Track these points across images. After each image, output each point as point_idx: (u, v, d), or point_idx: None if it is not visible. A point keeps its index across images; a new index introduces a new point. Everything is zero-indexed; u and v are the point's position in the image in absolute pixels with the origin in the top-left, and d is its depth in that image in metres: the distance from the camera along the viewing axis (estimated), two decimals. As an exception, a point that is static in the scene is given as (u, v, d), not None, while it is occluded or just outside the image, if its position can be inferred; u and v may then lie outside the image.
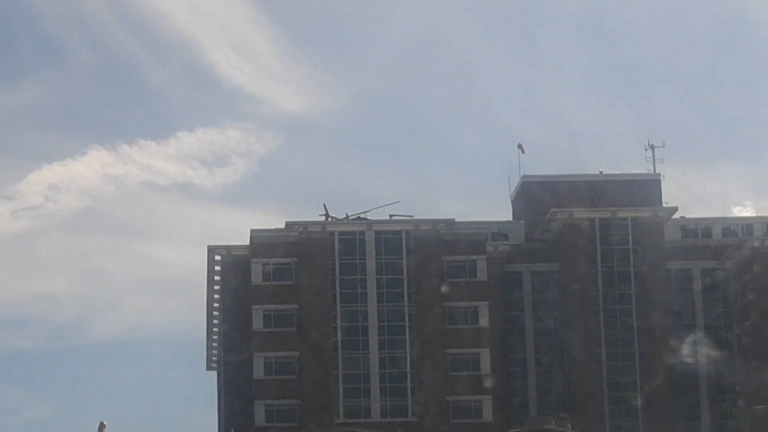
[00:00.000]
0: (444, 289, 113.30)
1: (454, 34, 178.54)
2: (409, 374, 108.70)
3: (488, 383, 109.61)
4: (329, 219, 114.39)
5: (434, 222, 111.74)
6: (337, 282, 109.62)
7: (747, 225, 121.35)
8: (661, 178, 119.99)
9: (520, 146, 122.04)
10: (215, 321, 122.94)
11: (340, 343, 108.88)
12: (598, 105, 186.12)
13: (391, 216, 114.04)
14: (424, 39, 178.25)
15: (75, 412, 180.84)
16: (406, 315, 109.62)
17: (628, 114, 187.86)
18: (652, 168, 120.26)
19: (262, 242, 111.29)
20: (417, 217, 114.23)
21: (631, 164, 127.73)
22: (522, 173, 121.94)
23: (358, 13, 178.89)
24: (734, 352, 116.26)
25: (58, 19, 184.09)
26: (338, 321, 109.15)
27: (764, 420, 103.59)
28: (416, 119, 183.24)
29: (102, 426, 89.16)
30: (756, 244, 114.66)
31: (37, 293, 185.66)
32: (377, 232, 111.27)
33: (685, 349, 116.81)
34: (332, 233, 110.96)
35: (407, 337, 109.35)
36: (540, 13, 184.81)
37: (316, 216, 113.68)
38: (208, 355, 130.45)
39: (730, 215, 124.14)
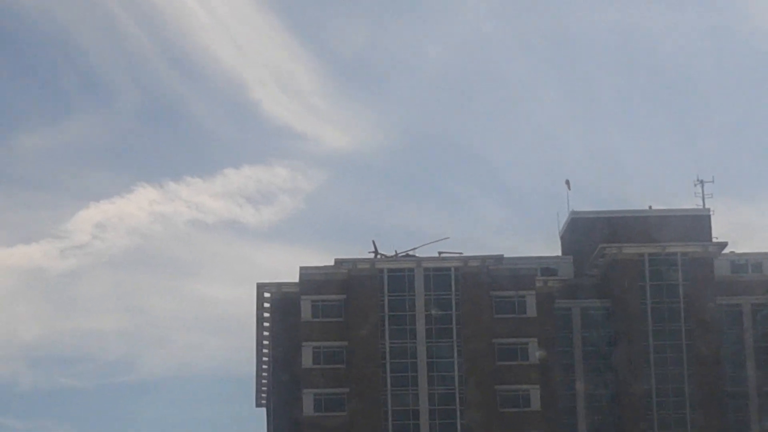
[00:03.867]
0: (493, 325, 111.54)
1: (502, 68, 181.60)
2: (458, 411, 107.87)
3: (538, 420, 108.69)
4: (378, 256, 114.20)
5: (483, 258, 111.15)
6: (387, 318, 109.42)
7: None
8: (711, 213, 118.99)
9: (567, 182, 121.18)
10: (265, 358, 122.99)
11: (389, 380, 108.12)
12: (647, 140, 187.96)
13: (439, 253, 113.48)
14: (471, 74, 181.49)
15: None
16: (455, 351, 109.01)
17: (677, 149, 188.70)
18: (701, 203, 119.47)
19: (312, 279, 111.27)
20: (465, 253, 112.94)
21: (680, 199, 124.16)
22: (571, 209, 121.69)
23: (404, 50, 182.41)
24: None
25: (105, 58, 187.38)
26: (387, 358, 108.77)
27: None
28: (464, 155, 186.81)
29: None
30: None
31: (86, 331, 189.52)
32: (426, 269, 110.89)
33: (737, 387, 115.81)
34: (381, 270, 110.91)
35: (456, 374, 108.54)
36: (588, 49, 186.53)
37: (364, 253, 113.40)
38: (257, 392, 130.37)
39: None
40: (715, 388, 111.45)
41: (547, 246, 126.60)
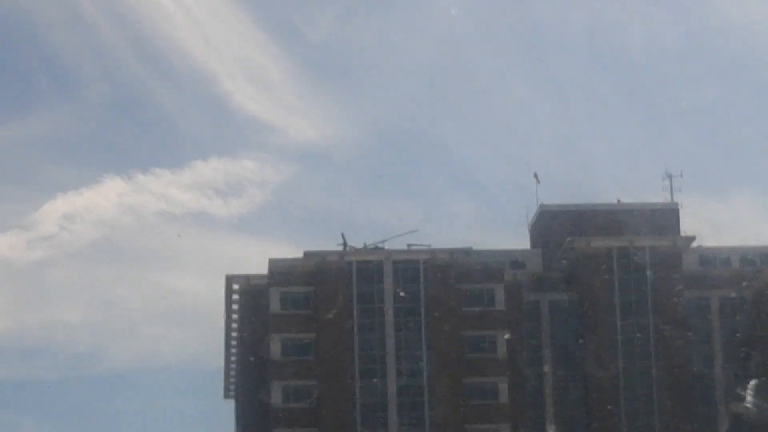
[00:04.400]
0: (462, 318, 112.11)
1: (472, 62, 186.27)
2: (426, 403, 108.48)
3: (506, 413, 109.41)
4: (347, 248, 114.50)
5: (451, 251, 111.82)
6: (355, 310, 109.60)
7: (765, 254, 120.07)
8: (679, 207, 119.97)
9: (535, 175, 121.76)
10: (233, 349, 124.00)
11: (357, 371, 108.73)
12: (616, 134, 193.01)
13: (408, 245, 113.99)
14: (440, 68, 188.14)
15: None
16: (424, 344, 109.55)
17: (646, 143, 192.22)
18: (669, 197, 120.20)
19: (281, 271, 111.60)
20: (434, 246, 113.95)
21: (648, 193, 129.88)
22: (539, 202, 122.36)
23: (373, 44, 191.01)
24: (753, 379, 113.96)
25: (73, 50, 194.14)
26: (356, 349, 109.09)
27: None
28: (432, 148, 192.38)
29: None
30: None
31: (53, 322, 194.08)
32: (395, 262, 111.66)
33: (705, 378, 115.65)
34: (350, 262, 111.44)
35: (425, 366, 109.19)
36: (558, 44, 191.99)
37: (333, 245, 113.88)
38: (225, 384, 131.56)
39: (748, 244, 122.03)
40: (682, 381, 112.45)
41: (516, 239, 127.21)
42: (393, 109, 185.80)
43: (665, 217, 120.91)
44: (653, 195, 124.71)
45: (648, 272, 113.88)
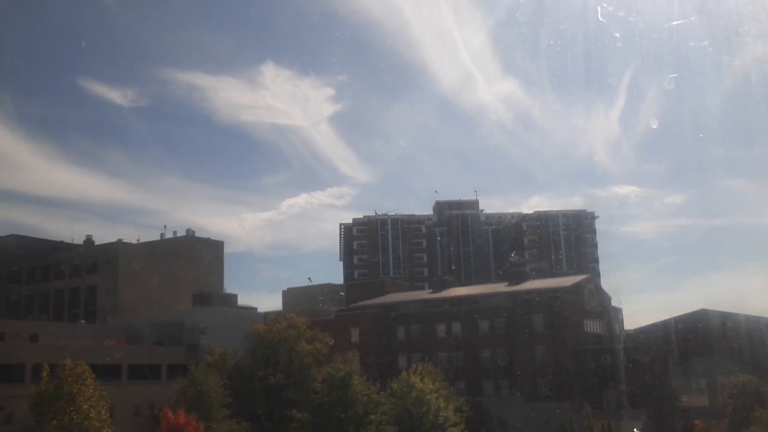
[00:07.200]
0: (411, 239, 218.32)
1: (417, 150, 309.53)
2: (401, 262, 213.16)
3: (427, 268, 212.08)
4: (377, 214, 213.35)
5: (409, 216, 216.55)
6: (379, 236, 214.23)
7: (506, 214, 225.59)
8: (479, 199, 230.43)
9: (436, 191, 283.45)
10: (342, 245, 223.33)
11: (380, 253, 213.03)
12: (458, 175, 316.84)
13: (396, 213, 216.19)
14: (408, 157, 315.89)
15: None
16: (400, 244, 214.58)
17: (469, 177, 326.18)
18: (475, 197, 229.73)
19: (356, 221, 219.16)
20: (403, 213, 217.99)
21: (468, 195, 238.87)
22: (436, 199, 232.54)
23: (388, 150, 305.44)
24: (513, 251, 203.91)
25: (280, 150, 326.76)
26: (380, 248, 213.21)
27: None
28: (407, 183, 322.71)
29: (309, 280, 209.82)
30: (512, 220, 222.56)
31: (285, 239, 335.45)
32: (392, 219, 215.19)
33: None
34: (377, 219, 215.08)
35: (400, 251, 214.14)
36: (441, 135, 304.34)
37: (372, 213, 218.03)
38: (339, 255, 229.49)
39: (501, 211, 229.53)
40: (482, 253, 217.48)
41: (428, 211, 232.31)
42: (391, 171, 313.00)
43: (473, 204, 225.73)
44: (469, 196, 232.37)
45: (469, 222, 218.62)
